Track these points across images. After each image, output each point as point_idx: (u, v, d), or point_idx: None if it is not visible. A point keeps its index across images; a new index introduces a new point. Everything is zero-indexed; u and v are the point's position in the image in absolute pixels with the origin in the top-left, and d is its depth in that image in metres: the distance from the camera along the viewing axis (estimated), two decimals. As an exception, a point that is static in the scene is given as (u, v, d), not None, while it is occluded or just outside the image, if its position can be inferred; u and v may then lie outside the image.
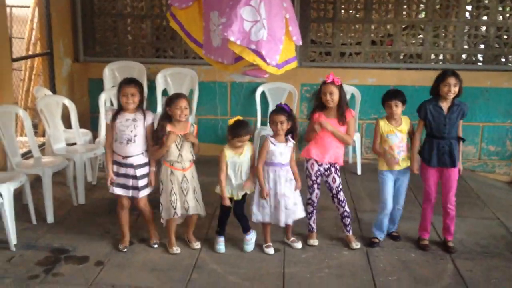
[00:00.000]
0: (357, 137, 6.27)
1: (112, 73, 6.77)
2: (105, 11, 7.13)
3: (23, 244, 4.45)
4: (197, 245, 4.44)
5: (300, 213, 4.37)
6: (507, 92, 6.62)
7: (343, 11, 6.92)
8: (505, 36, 6.73)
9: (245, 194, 4.33)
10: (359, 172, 6.36)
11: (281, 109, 4.26)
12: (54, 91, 6.56)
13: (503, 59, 6.78)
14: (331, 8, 6.88)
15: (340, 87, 4.32)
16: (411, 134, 4.44)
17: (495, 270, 4.18)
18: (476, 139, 6.73)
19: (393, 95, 4.33)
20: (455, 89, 4.22)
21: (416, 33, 6.87)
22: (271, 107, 6.48)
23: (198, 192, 4.35)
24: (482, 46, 6.80)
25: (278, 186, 4.25)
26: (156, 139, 4.20)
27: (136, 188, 4.24)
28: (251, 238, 4.42)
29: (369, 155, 4.54)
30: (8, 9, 7.16)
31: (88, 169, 5.84)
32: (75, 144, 5.79)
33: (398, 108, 4.31)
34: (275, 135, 4.26)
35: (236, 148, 4.23)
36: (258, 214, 4.32)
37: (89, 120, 6.95)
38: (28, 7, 7.70)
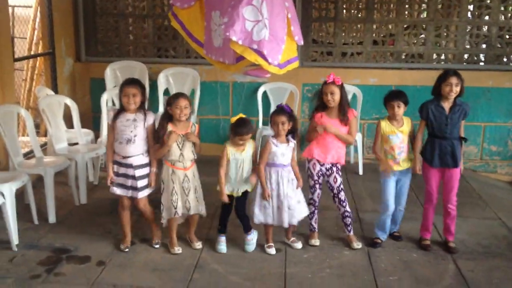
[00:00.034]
0: (358, 137, 6.26)
1: (113, 73, 6.78)
2: (107, 11, 7.13)
3: (25, 244, 4.45)
4: (198, 245, 4.45)
5: (305, 211, 4.37)
6: (509, 92, 6.61)
7: (344, 10, 6.92)
8: (507, 36, 6.72)
9: (246, 191, 4.33)
10: (360, 172, 6.36)
11: (281, 109, 4.26)
12: (56, 91, 6.57)
13: (505, 59, 6.77)
14: (332, 7, 6.88)
15: (341, 87, 4.32)
16: (411, 137, 4.43)
17: (496, 270, 4.18)
18: (478, 139, 6.72)
19: (395, 95, 4.33)
20: (456, 89, 4.22)
21: (418, 33, 6.87)
22: (273, 107, 6.48)
23: (200, 192, 4.36)
24: (484, 46, 6.78)
25: (281, 187, 4.25)
26: (157, 138, 4.21)
27: (135, 189, 4.24)
28: (252, 238, 4.42)
29: (371, 155, 4.55)
30: (10, 9, 7.16)
31: (90, 169, 5.85)
32: (77, 144, 5.79)
33: (400, 109, 4.31)
34: (277, 135, 4.26)
35: (238, 146, 4.24)
36: (260, 215, 4.32)
37: (91, 120, 6.95)
38: (30, 7, 7.71)
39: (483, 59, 6.87)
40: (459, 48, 6.80)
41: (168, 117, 4.21)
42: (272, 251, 4.38)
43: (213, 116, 6.96)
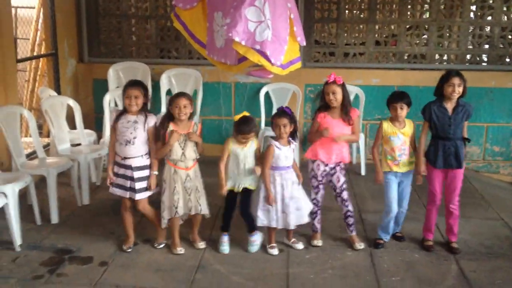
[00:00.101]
0: (361, 137, 6.26)
1: (116, 74, 6.79)
2: (110, 12, 7.15)
3: (27, 245, 4.46)
4: (202, 244, 4.45)
5: (310, 206, 4.38)
6: (512, 93, 6.62)
7: (347, 11, 6.91)
8: (510, 36, 6.71)
9: (250, 190, 4.33)
10: (363, 172, 6.36)
11: (283, 112, 4.26)
12: (58, 92, 6.58)
13: (507, 59, 6.76)
14: (335, 8, 6.87)
15: (343, 86, 4.31)
16: (412, 141, 4.41)
17: (499, 271, 4.17)
18: (480, 140, 6.71)
19: (398, 97, 4.32)
20: (459, 89, 4.21)
21: (420, 33, 6.86)
22: (275, 108, 6.48)
23: (202, 192, 4.36)
24: (486, 46, 6.78)
25: (286, 190, 4.26)
26: (157, 137, 4.22)
27: (134, 190, 4.25)
28: (256, 239, 4.42)
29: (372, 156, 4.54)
30: (13, 10, 7.18)
31: (92, 170, 5.85)
32: (79, 144, 5.81)
33: (403, 111, 4.30)
34: (278, 138, 4.26)
35: (240, 143, 4.24)
36: (263, 218, 4.32)
37: (94, 121, 6.97)
38: (33, 8, 7.73)
39: (485, 60, 6.86)
40: (462, 48, 6.79)
41: (169, 117, 4.23)
42: (275, 251, 4.38)
43: (216, 116, 6.96)
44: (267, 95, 6.70)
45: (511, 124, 6.68)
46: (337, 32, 6.91)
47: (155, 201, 4.43)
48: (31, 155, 5.64)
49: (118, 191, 4.31)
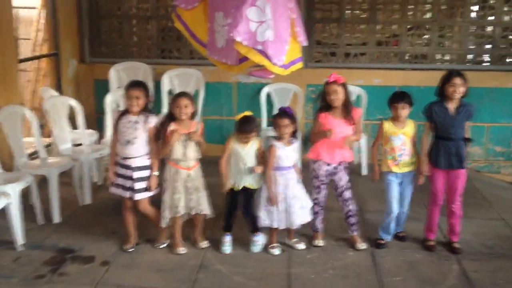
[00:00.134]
0: (363, 137, 6.26)
1: (117, 74, 6.80)
2: (111, 12, 7.16)
3: (29, 244, 4.47)
4: (204, 244, 4.46)
5: (310, 204, 4.39)
6: (513, 93, 6.61)
7: (348, 11, 6.91)
8: (511, 36, 6.70)
9: (251, 190, 4.33)
10: (364, 172, 6.36)
11: (284, 112, 4.26)
12: (60, 92, 6.59)
13: (509, 59, 6.75)
14: (336, 8, 6.88)
15: (344, 86, 4.31)
16: (413, 142, 4.41)
17: (501, 271, 4.17)
18: (481, 140, 6.71)
19: (400, 97, 4.32)
20: (461, 90, 4.21)
21: (421, 34, 6.86)
22: (276, 108, 6.48)
23: (203, 192, 4.36)
24: (487, 46, 6.78)
25: (289, 190, 4.26)
26: (158, 137, 4.24)
27: (133, 190, 4.25)
28: (258, 240, 4.42)
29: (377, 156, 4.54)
30: (14, 11, 7.18)
31: (94, 170, 5.86)
32: (81, 144, 5.81)
33: (404, 111, 4.30)
34: (280, 138, 4.26)
35: (242, 142, 4.25)
36: (265, 219, 4.32)
37: (95, 121, 6.97)
38: (35, 8, 7.72)
39: (487, 60, 6.86)
40: (463, 48, 6.79)
41: (171, 117, 4.23)
42: (276, 251, 4.38)
43: (217, 116, 6.97)
44: (268, 95, 6.71)
45: (512, 124, 6.69)
46: (338, 32, 6.91)
47: (156, 200, 4.43)
48: (33, 155, 5.64)
49: (118, 191, 4.32)
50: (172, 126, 4.19)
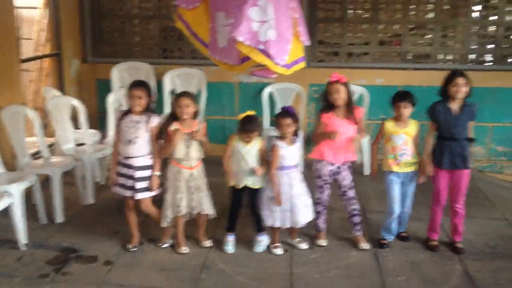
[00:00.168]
0: (365, 137, 6.25)
1: (120, 74, 6.80)
2: (113, 12, 7.16)
3: (33, 244, 4.48)
4: (208, 243, 4.47)
5: (311, 202, 4.41)
6: (516, 92, 6.61)
7: (350, 11, 6.91)
8: (514, 36, 6.71)
9: (255, 189, 4.33)
10: (367, 172, 6.36)
11: (286, 112, 4.26)
12: (62, 92, 6.59)
13: (511, 59, 6.74)
14: (338, 8, 6.88)
15: (346, 85, 4.31)
16: (415, 142, 4.41)
17: (503, 271, 4.16)
18: (484, 140, 6.70)
19: (402, 96, 4.32)
20: (464, 90, 4.21)
21: (424, 33, 6.86)
22: (279, 108, 6.48)
23: (205, 192, 4.36)
24: (490, 46, 6.77)
25: (293, 189, 4.26)
26: (160, 136, 4.25)
27: (134, 189, 4.26)
28: (262, 240, 4.43)
29: (378, 156, 4.55)
30: (17, 11, 7.19)
31: (96, 169, 5.86)
32: (83, 144, 5.82)
33: (406, 110, 4.30)
34: (283, 138, 4.27)
35: (244, 141, 4.25)
36: (268, 218, 4.33)
37: (98, 121, 6.97)
38: (37, 8, 7.73)
39: (489, 60, 6.85)
40: (466, 48, 6.79)
41: (173, 116, 4.24)
42: (279, 251, 4.38)
43: (219, 116, 6.97)
44: (270, 95, 6.71)
45: (515, 124, 6.68)
46: (340, 32, 6.91)
47: (158, 200, 4.43)
48: (36, 155, 5.64)
49: (120, 190, 4.33)
50: (174, 126, 4.20)
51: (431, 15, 6.88)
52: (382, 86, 6.65)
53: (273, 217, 4.30)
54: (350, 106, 4.36)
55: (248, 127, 4.18)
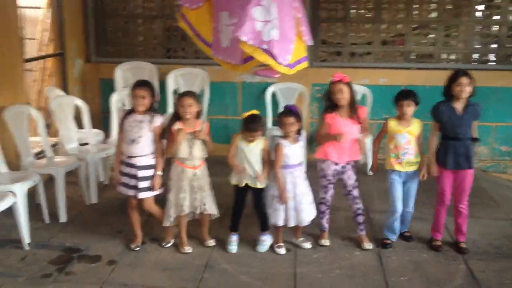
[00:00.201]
0: (368, 137, 6.24)
1: (123, 74, 6.81)
2: (116, 12, 7.18)
3: (36, 243, 4.48)
4: (211, 242, 4.47)
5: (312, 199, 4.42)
6: (520, 92, 6.59)
7: (353, 10, 6.90)
8: (517, 36, 6.70)
9: (259, 188, 4.33)
10: (370, 172, 6.34)
11: (289, 111, 4.26)
12: (66, 92, 6.60)
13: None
14: (341, 8, 6.87)
15: (349, 84, 4.31)
16: (418, 141, 4.40)
17: (508, 271, 4.15)
18: (488, 140, 6.69)
19: (406, 95, 4.31)
20: (468, 89, 4.19)
21: (427, 33, 6.84)
22: (282, 108, 6.47)
23: (208, 192, 4.36)
24: (493, 45, 6.76)
25: (298, 187, 4.27)
26: (163, 136, 4.26)
27: (137, 189, 4.26)
28: (266, 239, 4.43)
29: (381, 155, 4.55)
30: (20, 10, 7.20)
31: (100, 169, 5.87)
32: (87, 144, 5.83)
33: (409, 108, 4.29)
34: (286, 136, 4.27)
35: (247, 140, 4.25)
36: (272, 217, 4.33)
37: (101, 120, 6.99)
38: (41, 8, 7.75)
39: (493, 59, 6.84)
40: (469, 48, 6.77)
41: (177, 116, 4.24)
42: (282, 251, 4.38)
43: (222, 116, 6.97)
44: (273, 94, 6.70)
45: (519, 124, 6.66)
46: (343, 31, 6.90)
47: (161, 200, 4.43)
48: (39, 155, 5.65)
49: (122, 189, 4.34)
50: (177, 125, 4.20)
51: (434, 14, 6.87)
52: (385, 85, 6.65)
53: (277, 216, 4.30)
54: (353, 106, 4.35)
55: (252, 126, 4.18)
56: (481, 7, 6.71)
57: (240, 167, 4.25)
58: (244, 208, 4.42)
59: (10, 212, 4.31)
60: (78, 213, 5.17)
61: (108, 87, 6.82)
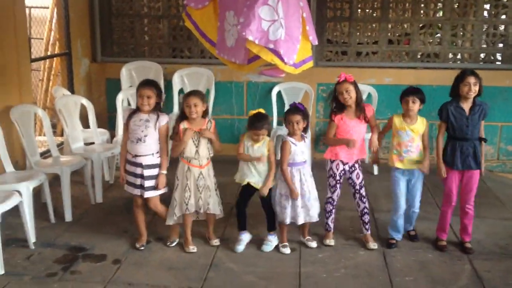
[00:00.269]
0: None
1: (129, 73, 6.83)
2: (123, 11, 7.19)
3: (41, 242, 4.50)
4: (216, 242, 4.47)
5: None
6: (526, 92, 6.55)
7: (359, 10, 6.89)
8: (524, 35, 6.65)
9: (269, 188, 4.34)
10: (375, 172, 6.34)
11: (296, 108, 4.26)
12: (72, 91, 6.63)
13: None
14: (347, 7, 6.86)
15: (355, 84, 4.31)
16: (425, 140, 4.38)
17: (513, 271, 4.14)
18: (494, 139, 6.65)
19: (411, 91, 4.31)
20: (475, 88, 4.17)
21: (433, 32, 6.82)
22: (287, 107, 6.47)
23: (213, 191, 4.36)
24: (500, 45, 6.72)
25: (305, 184, 4.28)
26: (172, 136, 4.27)
27: (143, 188, 4.27)
28: (272, 239, 4.43)
29: (386, 155, 4.54)
30: (27, 10, 7.24)
31: (105, 168, 5.89)
32: (93, 143, 5.85)
33: (415, 105, 4.27)
34: (292, 134, 4.27)
35: (253, 139, 4.25)
36: (279, 214, 4.34)
37: (107, 120, 7.01)
38: (47, 8, 7.79)
39: (499, 59, 6.80)
40: (476, 47, 6.74)
41: (183, 115, 4.25)
42: (287, 250, 4.38)
43: (228, 116, 6.97)
44: (279, 94, 6.70)
45: (525, 124, 6.62)
46: (349, 31, 6.89)
47: (167, 199, 4.44)
48: (45, 154, 5.68)
49: (128, 189, 4.35)
50: (184, 125, 4.21)
51: (441, 13, 6.84)
52: (391, 85, 6.62)
53: (284, 214, 4.30)
54: (360, 105, 4.35)
55: (257, 124, 4.18)
56: (488, 6, 6.67)
57: (249, 157, 4.25)
58: (247, 206, 4.41)
59: (16, 211, 4.33)
60: (84, 212, 5.19)
61: (114, 86, 6.84)
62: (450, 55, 6.86)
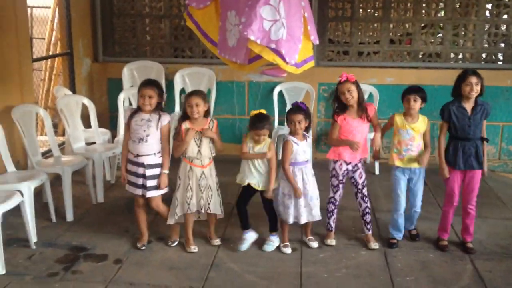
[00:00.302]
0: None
1: (130, 73, 6.83)
2: (124, 11, 7.19)
3: (43, 242, 4.50)
4: (217, 241, 4.47)
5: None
6: (528, 91, 6.54)
7: (361, 10, 6.89)
8: (526, 35, 6.65)
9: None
10: (377, 172, 6.34)
11: (298, 108, 4.26)
12: (73, 91, 6.64)
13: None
14: (349, 7, 6.86)
15: (356, 83, 4.31)
16: (426, 139, 4.38)
17: (515, 271, 4.13)
18: (496, 139, 6.65)
19: (413, 90, 4.31)
20: (477, 88, 4.17)
21: (435, 32, 6.81)
22: (289, 107, 6.47)
23: (214, 191, 4.36)
24: (502, 44, 6.71)
25: (308, 183, 4.28)
26: (174, 135, 4.26)
27: (145, 188, 4.27)
28: (274, 240, 4.43)
29: (388, 154, 4.54)
30: (29, 10, 7.25)
31: (107, 168, 5.89)
32: (94, 143, 5.85)
33: (416, 104, 4.27)
34: (294, 134, 4.27)
35: (254, 140, 4.25)
36: (282, 214, 4.35)
37: (108, 120, 7.01)
38: (49, 7, 7.79)
39: (501, 58, 6.79)
40: (477, 47, 6.74)
41: (185, 115, 4.26)
42: (288, 250, 4.37)
43: (229, 115, 6.97)
44: (280, 94, 6.70)
45: (527, 124, 6.61)
46: (351, 30, 6.89)
47: (168, 198, 4.44)
48: (47, 154, 5.68)
49: (130, 188, 4.35)
50: (186, 125, 4.21)
51: (442, 13, 6.83)
52: (393, 85, 6.62)
53: (287, 213, 4.30)
54: (361, 104, 4.35)
55: (258, 124, 4.18)
56: (490, 6, 6.66)
57: (255, 155, 4.26)
58: (247, 205, 4.41)
59: (17, 211, 4.33)
60: (85, 212, 5.19)
61: (115, 86, 6.85)
62: (452, 55, 6.85)
